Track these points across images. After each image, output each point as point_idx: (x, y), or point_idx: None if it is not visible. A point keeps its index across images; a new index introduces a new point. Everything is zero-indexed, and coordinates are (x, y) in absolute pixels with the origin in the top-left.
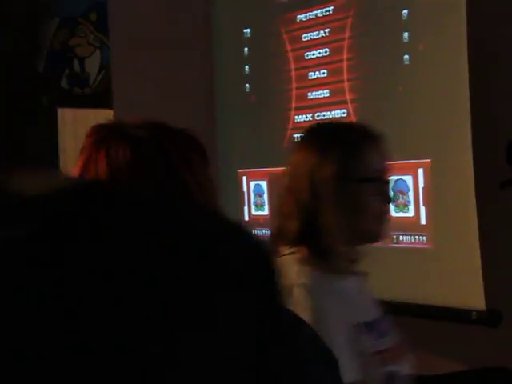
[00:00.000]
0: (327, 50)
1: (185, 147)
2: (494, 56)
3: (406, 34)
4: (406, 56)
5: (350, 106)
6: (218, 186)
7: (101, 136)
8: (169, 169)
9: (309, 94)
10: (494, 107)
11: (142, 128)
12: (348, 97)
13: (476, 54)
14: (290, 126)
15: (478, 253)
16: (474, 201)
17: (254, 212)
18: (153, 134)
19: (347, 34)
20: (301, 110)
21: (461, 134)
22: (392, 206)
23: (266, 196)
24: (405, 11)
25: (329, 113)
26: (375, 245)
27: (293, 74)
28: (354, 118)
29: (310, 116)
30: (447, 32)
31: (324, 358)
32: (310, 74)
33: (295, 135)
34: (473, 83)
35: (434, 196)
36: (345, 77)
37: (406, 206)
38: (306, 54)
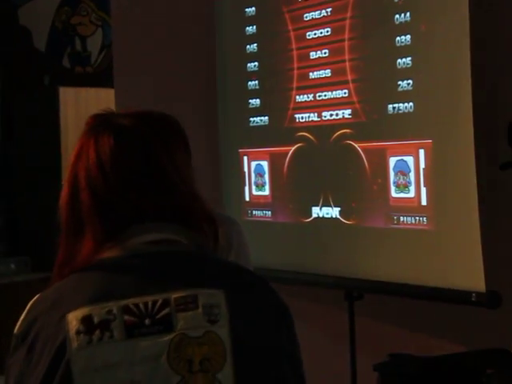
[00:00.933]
0: (329, 29)
1: (166, 137)
2: (496, 36)
3: (408, 14)
4: (408, 36)
5: (351, 86)
6: (195, 174)
7: (93, 125)
8: (148, 156)
9: (310, 73)
10: (496, 88)
11: (128, 117)
12: (349, 77)
13: (478, 34)
14: (292, 105)
15: (478, 234)
16: (475, 182)
17: (254, 192)
18: (135, 123)
19: (349, 14)
20: (302, 89)
21: (462, 114)
22: (393, 187)
23: (266, 176)
24: None
25: (330, 93)
26: (375, 226)
27: (294, 53)
28: (355, 98)
29: (311, 96)
30: (450, 12)
31: None
32: (311, 53)
33: (296, 115)
34: (475, 64)
35: (434, 177)
36: (346, 57)
37: (406, 186)
38: (307, 34)
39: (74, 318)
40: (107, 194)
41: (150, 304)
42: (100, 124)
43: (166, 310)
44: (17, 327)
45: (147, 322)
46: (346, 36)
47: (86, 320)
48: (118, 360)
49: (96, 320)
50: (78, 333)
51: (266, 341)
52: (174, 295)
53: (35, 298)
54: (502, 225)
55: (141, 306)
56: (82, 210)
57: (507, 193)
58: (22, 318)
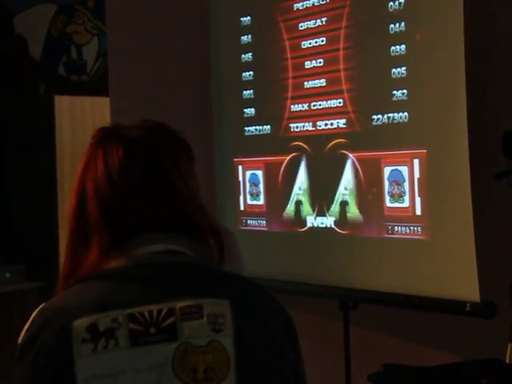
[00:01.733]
0: (324, 39)
1: (173, 148)
2: (492, 45)
3: (403, 24)
4: (403, 46)
5: (346, 95)
6: (202, 185)
7: (100, 137)
8: (156, 167)
9: (305, 83)
10: (491, 98)
11: (137, 129)
12: (344, 86)
13: (473, 43)
14: (286, 115)
15: (472, 244)
16: (470, 192)
17: (249, 201)
18: (144, 135)
19: (344, 24)
20: (297, 99)
21: (457, 124)
22: (387, 197)
23: (261, 186)
24: (402, 0)
25: (325, 102)
26: (370, 236)
27: (289, 62)
28: (349, 108)
29: (306, 105)
30: (444, 22)
31: None
32: (306, 63)
33: (291, 124)
34: (469, 73)
35: (429, 187)
36: (341, 66)
37: (401, 196)
38: (302, 43)
39: (79, 327)
40: (115, 204)
41: (155, 313)
42: (108, 136)
43: (171, 319)
44: (21, 336)
45: (152, 330)
46: (341, 45)
47: (92, 328)
48: (122, 368)
49: (101, 328)
50: (83, 341)
51: (269, 351)
52: (179, 304)
53: (40, 306)
54: (496, 235)
55: (146, 314)
56: (89, 220)
57: (502, 203)
58: (26, 327)
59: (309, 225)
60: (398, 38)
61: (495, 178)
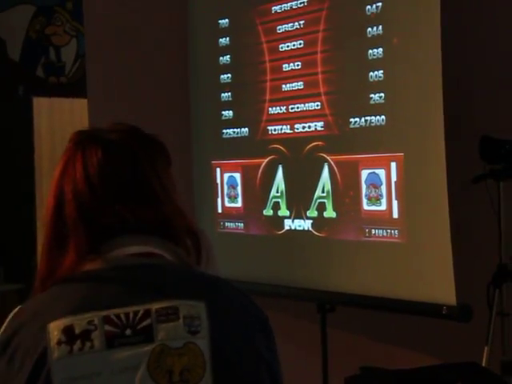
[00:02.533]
0: (301, 42)
1: (150, 150)
2: (469, 48)
3: (380, 27)
4: (380, 49)
5: (323, 98)
6: (180, 187)
7: (78, 140)
8: (135, 170)
9: (283, 86)
10: (468, 101)
11: (114, 132)
12: (322, 89)
13: (450, 47)
14: (264, 117)
15: (449, 248)
16: (446, 195)
17: (227, 204)
18: (122, 137)
19: (321, 27)
20: (275, 102)
21: (434, 128)
22: (365, 200)
23: (239, 188)
24: (379, 4)
25: (303, 105)
26: (347, 238)
27: (267, 65)
28: (327, 111)
29: (284, 108)
30: (421, 25)
31: None
32: (284, 65)
33: (269, 127)
34: (446, 77)
35: (406, 190)
36: (319, 69)
37: (378, 199)
38: (280, 46)
39: (55, 328)
40: (93, 206)
41: (131, 314)
42: (86, 138)
43: (147, 321)
44: None
45: (128, 332)
46: (319, 48)
47: (68, 330)
48: (98, 370)
49: (77, 330)
50: (58, 343)
51: (245, 351)
52: (155, 306)
53: (16, 309)
54: (473, 238)
55: (122, 316)
56: (67, 222)
57: (479, 206)
58: (2, 329)
59: (286, 227)
60: (375, 42)
61: (472, 182)
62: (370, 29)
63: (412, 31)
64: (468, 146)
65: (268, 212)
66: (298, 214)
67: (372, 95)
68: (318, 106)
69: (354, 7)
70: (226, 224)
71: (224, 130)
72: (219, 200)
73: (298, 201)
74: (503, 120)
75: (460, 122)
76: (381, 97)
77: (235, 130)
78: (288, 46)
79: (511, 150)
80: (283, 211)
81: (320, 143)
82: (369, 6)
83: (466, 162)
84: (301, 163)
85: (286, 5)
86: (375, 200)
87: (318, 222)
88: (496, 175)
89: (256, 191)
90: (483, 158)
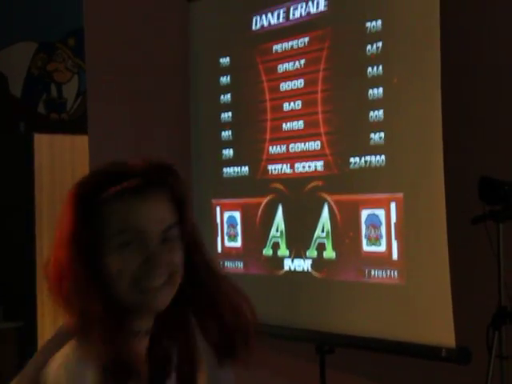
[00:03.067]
0: (302, 81)
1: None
2: (468, 92)
3: (380, 67)
4: (381, 89)
5: (323, 138)
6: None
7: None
8: None
9: (283, 125)
10: (467, 142)
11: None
12: (322, 129)
13: (450, 89)
14: (265, 157)
15: (448, 289)
16: (446, 237)
17: (226, 243)
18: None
19: (322, 66)
20: (275, 141)
21: (433, 168)
22: (364, 240)
23: (239, 227)
24: (379, 44)
25: (303, 144)
26: (346, 279)
27: (268, 104)
28: (327, 151)
29: (284, 147)
30: (421, 65)
31: None
32: (284, 105)
33: (269, 166)
34: (446, 118)
35: (405, 231)
36: (319, 109)
37: (378, 240)
38: (281, 85)
39: None
40: None
41: None
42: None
43: None
44: None
45: None
46: (319, 88)
47: None
48: None
49: None
50: None
51: None
52: None
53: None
54: (472, 280)
55: None
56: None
57: (478, 247)
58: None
59: (286, 268)
60: (375, 81)
61: (471, 223)
62: (370, 69)
63: (412, 71)
64: (467, 186)
65: (268, 252)
66: (298, 254)
67: (372, 135)
68: (317, 145)
69: (354, 47)
70: (226, 264)
71: (224, 169)
72: (219, 239)
73: (298, 240)
74: (502, 161)
75: (459, 163)
76: (381, 137)
77: (235, 168)
78: (288, 86)
79: (510, 191)
80: (283, 251)
81: (320, 183)
82: (369, 46)
83: (465, 203)
84: (301, 203)
85: (286, 44)
86: (375, 240)
87: (318, 262)
88: (495, 216)
89: (256, 230)
90: (482, 199)
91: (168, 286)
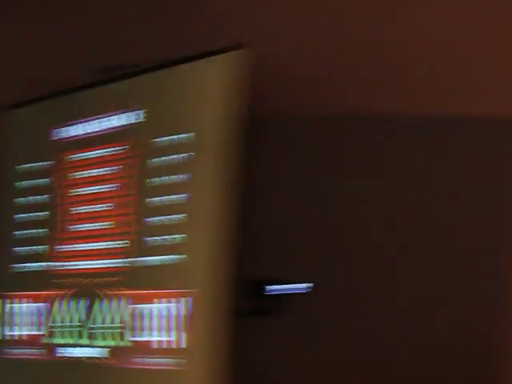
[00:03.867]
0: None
1: None
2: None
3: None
4: None
5: (116, 237)
6: None
7: None
8: None
9: (70, 226)
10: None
11: None
12: (114, 230)
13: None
14: (53, 254)
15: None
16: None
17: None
18: None
19: (117, 175)
20: (63, 241)
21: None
22: (150, 332)
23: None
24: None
25: (90, 245)
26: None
27: (59, 208)
28: (116, 250)
29: (71, 247)
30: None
31: None
32: (73, 208)
33: (56, 263)
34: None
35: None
36: (114, 212)
37: (168, 330)
38: (72, 191)
39: None
40: None
41: None
42: None
43: None
44: None
45: None
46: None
47: None
48: None
49: None
50: None
51: None
52: None
53: None
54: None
55: None
56: None
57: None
58: None
59: (66, 354)
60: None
61: (239, 316)
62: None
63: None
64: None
65: (47, 340)
66: (80, 343)
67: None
68: (108, 245)
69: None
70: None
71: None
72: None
73: (78, 330)
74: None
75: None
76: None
77: (25, 265)
78: (77, 191)
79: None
80: (62, 339)
81: (109, 279)
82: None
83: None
84: (84, 297)
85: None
86: (165, 331)
87: (110, 350)
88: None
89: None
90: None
91: None
